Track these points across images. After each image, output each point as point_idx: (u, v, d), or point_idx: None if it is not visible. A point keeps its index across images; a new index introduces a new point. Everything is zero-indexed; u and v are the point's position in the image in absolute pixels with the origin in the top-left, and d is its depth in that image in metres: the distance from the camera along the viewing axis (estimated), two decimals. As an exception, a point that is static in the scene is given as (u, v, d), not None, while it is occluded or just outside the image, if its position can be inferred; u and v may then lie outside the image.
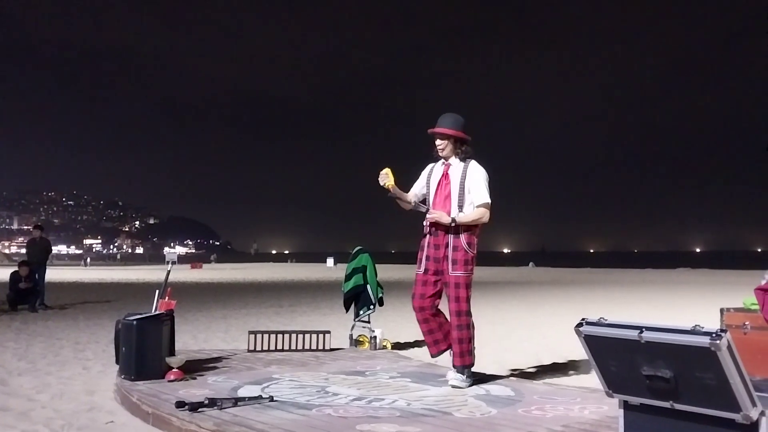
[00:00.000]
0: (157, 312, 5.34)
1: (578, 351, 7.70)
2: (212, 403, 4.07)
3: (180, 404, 4.05)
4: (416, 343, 8.17)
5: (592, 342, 2.71)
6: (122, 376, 5.04)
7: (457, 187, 4.75)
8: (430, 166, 5.02)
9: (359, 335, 7.39)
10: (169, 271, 6.28)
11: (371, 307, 7.33)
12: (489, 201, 4.70)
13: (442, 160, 4.90)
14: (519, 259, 79.04)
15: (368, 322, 7.33)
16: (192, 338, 8.55)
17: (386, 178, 4.80)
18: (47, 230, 14.68)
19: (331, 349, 6.71)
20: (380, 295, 7.44)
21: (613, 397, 2.81)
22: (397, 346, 7.63)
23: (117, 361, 5.37)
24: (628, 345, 2.58)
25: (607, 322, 2.68)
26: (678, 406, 2.58)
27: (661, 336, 2.50)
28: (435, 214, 4.71)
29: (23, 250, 13.94)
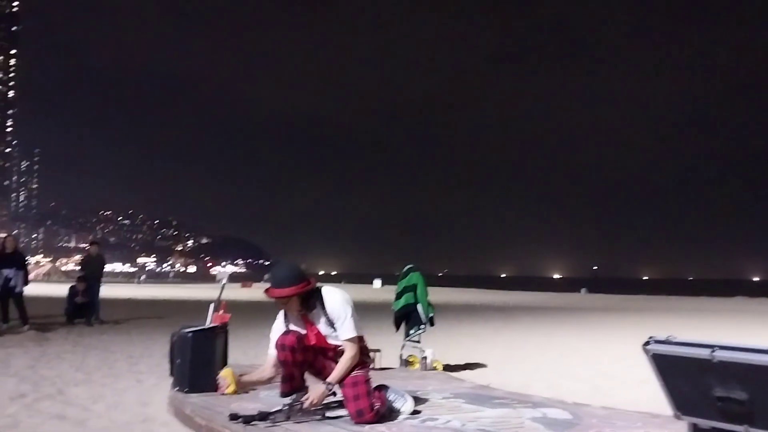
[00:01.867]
0: (212, 325, 5.38)
1: (635, 376, 7.49)
2: (265, 416, 4.05)
3: (233, 417, 4.04)
4: (467, 366, 8.06)
5: (660, 361, 2.60)
6: (176, 389, 5.07)
7: (326, 328, 4.33)
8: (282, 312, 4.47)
9: (409, 355, 7.31)
10: (224, 285, 6.34)
11: (422, 326, 7.25)
12: (354, 335, 4.26)
13: None
14: (570, 284, 77.61)
15: (418, 342, 7.25)
16: (242, 354, 8.59)
17: (225, 384, 4.35)
18: (104, 247, 15.04)
19: (381, 369, 6.64)
20: (431, 314, 7.34)
21: (681, 420, 2.68)
22: (448, 368, 7.52)
23: (171, 374, 5.42)
24: (699, 364, 2.47)
25: (676, 340, 2.57)
26: (753, 431, 2.45)
27: (735, 355, 2.38)
28: (313, 398, 4.18)
29: (79, 268, 14.26)
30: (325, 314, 4.31)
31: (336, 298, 4.33)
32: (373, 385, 4.40)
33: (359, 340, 4.42)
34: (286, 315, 4.45)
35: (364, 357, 4.46)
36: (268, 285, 4.33)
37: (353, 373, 4.31)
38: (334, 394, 4.36)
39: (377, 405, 4.24)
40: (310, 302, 4.30)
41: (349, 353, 4.28)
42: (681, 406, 2.63)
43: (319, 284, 4.43)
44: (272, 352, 4.38)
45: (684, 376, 2.55)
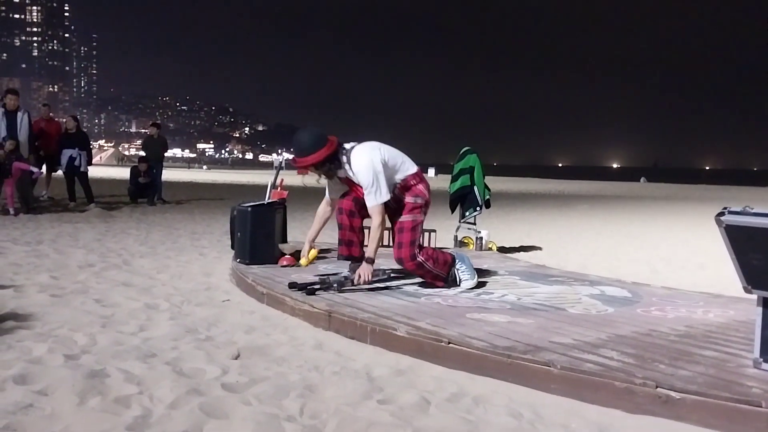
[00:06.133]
0: (271, 200, 5.44)
1: (695, 262, 7.37)
2: (324, 285, 4.13)
3: (292, 285, 4.14)
4: (522, 248, 8.04)
5: (733, 232, 2.48)
6: (237, 260, 5.21)
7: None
8: None
9: (464, 236, 7.31)
10: (281, 164, 6.36)
11: (477, 208, 7.18)
12: (378, 203, 4.14)
13: None
14: (629, 174, 75.97)
15: (474, 223, 7.22)
16: (301, 233, 8.72)
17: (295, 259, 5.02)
18: (163, 133, 15.18)
19: (436, 248, 6.66)
20: (487, 197, 7.25)
21: (751, 294, 2.60)
22: (502, 249, 7.51)
23: (232, 247, 5.55)
24: (776, 236, 2.35)
25: (752, 211, 2.44)
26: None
27: (817, 226, 2.25)
28: (361, 274, 4.15)
29: (142, 153, 14.51)
30: (355, 178, 4.24)
31: (361, 163, 4.15)
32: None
33: (413, 178, 4.29)
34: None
35: (414, 197, 4.30)
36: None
37: (401, 219, 4.27)
38: (371, 262, 4.31)
39: (420, 258, 4.23)
40: (334, 165, 4.21)
41: (375, 221, 4.18)
42: (752, 279, 2.54)
43: (349, 145, 4.28)
44: (326, 198, 4.61)
45: (758, 248, 2.44)
